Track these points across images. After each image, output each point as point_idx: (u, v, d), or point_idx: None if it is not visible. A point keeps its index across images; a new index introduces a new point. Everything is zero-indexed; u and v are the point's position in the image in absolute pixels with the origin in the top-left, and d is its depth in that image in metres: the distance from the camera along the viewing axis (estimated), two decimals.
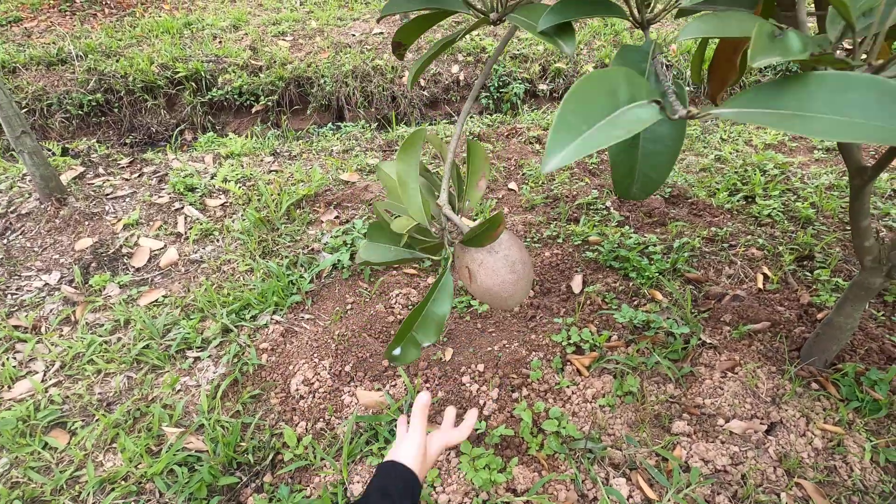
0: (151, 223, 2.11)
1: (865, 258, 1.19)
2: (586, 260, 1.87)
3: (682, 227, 2.02)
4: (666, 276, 1.75)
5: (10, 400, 1.41)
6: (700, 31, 0.53)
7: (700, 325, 1.54)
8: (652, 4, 0.60)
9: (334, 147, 2.84)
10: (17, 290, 1.77)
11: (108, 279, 1.82)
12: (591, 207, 2.19)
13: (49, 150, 2.83)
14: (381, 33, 4.50)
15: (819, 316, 1.55)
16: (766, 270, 1.78)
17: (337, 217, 2.17)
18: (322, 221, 2.14)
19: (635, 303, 1.67)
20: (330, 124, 3.87)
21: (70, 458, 1.27)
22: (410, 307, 1.70)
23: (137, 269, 1.90)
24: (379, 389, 1.43)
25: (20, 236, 2.02)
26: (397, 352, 0.57)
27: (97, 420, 1.35)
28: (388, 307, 1.70)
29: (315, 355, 1.53)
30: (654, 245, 1.90)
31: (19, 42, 4.24)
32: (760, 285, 1.73)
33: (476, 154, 0.60)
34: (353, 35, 4.46)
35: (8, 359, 1.52)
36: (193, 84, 3.83)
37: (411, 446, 0.71)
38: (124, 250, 1.97)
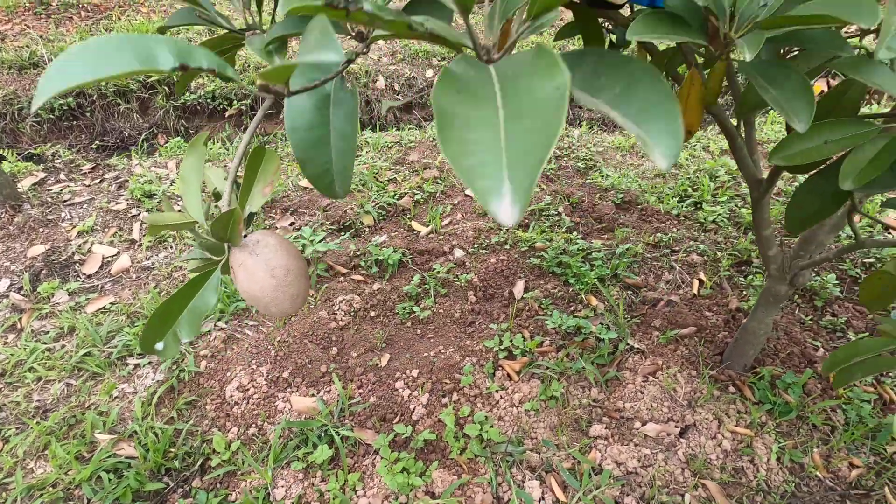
0: (107, 230, 2.14)
1: (771, 266, 1.23)
2: (530, 266, 1.91)
3: (628, 234, 2.07)
4: (605, 282, 1.80)
5: None
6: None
7: (629, 330, 1.58)
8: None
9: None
10: None
11: (58, 286, 1.84)
12: (543, 213, 2.23)
13: (3, 156, 2.84)
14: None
15: (744, 321, 1.60)
16: (702, 276, 1.82)
17: (292, 224, 2.20)
18: (276, 228, 2.17)
19: (571, 308, 1.71)
20: None
21: (1, 464, 1.29)
22: (353, 313, 1.74)
23: (88, 276, 1.93)
24: (313, 395, 1.46)
25: None
26: (159, 346, 0.55)
27: (31, 427, 1.37)
28: (331, 314, 1.73)
29: (254, 362, 1.56)
30: (599, 251, 1.94)
31: None
32: (696, 290, 1.77)
33: (266, 160, 0.60)
34: None
35: None
36: (166, 88, 3.84)
37: None
38: (76, 257, 1.99)
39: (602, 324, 1.61)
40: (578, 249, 1.95)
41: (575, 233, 2.09)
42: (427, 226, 2.16)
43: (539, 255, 1.96)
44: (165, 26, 0.65)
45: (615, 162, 2.69)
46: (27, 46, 4.11)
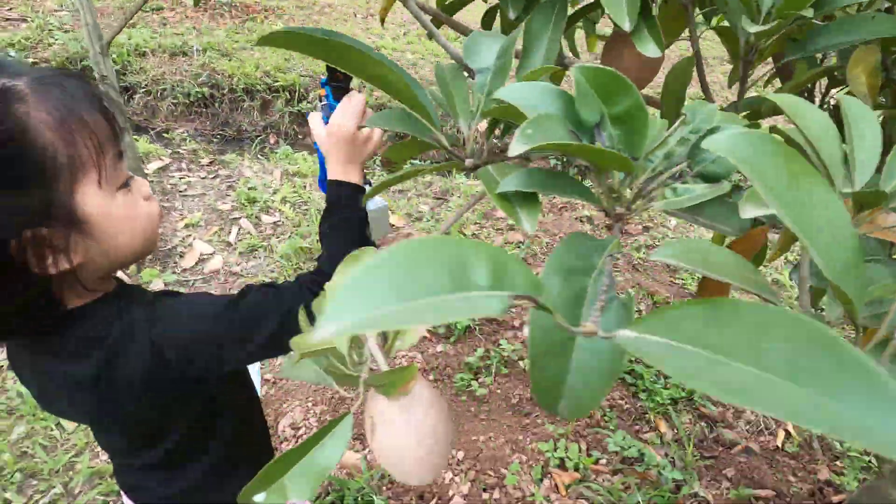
0: (209, 227, 2.30)
1: (884, 466, 1.08)
2: None
3: None
4: (678, 406, 1.67)
5: None
6: (671, 258, 0.49)
7: (697, 473, 1.46)
8: (631, 197, 0.52)
9: (394, 186, 2.96)
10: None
11: (157, 274, 2.00)
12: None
13: (145, 131, 3.16)
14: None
15: (834, 500, 1.42)
16: (790, 427, 1.65)
17: None
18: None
19: (636, 428, 1.61)
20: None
21: (74, 441, 1.40)
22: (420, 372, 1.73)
23: (184, 270, 2.08)
24: (358, 451, 1.47)
25: None
26: (259, 498, 0.45)
27: None
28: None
29: (310, 399, 1.60)
30: None
31: (155, 29, 4.79)
32: (779, 443, 1.60)
33: None
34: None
35: None
36: (288, 94, 4.14)
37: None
38: (179, 249, 2.16)
39: (667, 455, 1.49)
40: None
41: None
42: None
43: None
44: (366, 125, 0.62)
45: None
46: (181, 35, 4.61)
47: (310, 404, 1.58)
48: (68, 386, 0.56)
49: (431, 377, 1.73)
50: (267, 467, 0.51)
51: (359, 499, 1.34)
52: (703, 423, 1.64)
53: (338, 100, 0.70)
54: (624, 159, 0.35)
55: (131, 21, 4.62)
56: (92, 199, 0.49)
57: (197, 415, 0.66)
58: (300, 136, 4.22)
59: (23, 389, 1.50)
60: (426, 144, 0.55)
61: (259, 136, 4.10)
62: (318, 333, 0.21)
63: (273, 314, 0.59)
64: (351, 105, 0.67)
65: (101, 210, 0.50)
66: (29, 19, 4.52)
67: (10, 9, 4.67)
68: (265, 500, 0.51)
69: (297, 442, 1.47)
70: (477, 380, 1.73)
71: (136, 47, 4.26)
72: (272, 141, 4.14)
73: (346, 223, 0.67)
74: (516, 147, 0.32)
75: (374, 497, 1.33)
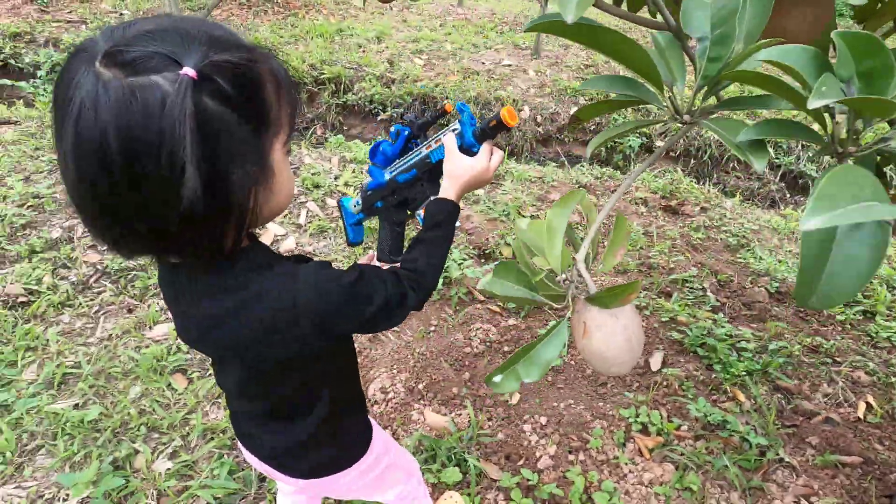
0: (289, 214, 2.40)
1: None
2: (670, 339, 1.85)
3: (782, 329, 1.93)
4: (753, 378, 1.69)
5: (149, 339, 1.70)
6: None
7: (781, 440, 1.47)
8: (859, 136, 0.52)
9: None
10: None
11: None
12: (687, 285, 2.15)
13: None
14: (510, 65, 4.67)
15: None
16: (871, 399, 1.65)
17: None
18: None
19: (714, 398, 1.63)
20: None
21: (185, 401, 1.51)
22: (488, 343, 1.79)
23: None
24: (445, 415, 1.53)
25: None
26: (497, 379, 0.60)
27: (210, 374, 1.58)
28: (467, 338, 1.81)
29: (395, 367, 1.67)
30: (748, 341, 1.83)
31: None
32: (861, 414, 1.60)
33: (622, 227, 0.65)
34: (483, 63, 4.67)
35: (153, 303, 1.83)
36: (333, 86, 4.24)
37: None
38: (257, 230, 2.26)
39: (749, 424, 1.51)
40: (726, 334, 1.85)
41: (721, 314, 1.99)
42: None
43: (681, 329, 1.89)
44: (581, 88, 0.69)
45: (771, 245, 2.52)
46: None
47: (394, 371, 1.66)
48: (206, 319, 0.61)
49: (506, 348, 1.79)
50: (506, 361, 0.64)
51: (451, 457, 1.41)
52: (779, 395, 1.65)
53: (475, 136, 0.78)
54: (890, 104, 0.39)
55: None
56: (278, 154, 0.56)
57: (308, 371, 0.71)
58: (345, 127, 4.32)
59: (135, 354, 1.62)
60: (618, 104, 0.63)
61: (307, 127, 4.22)
62: (809, 223, 0.34)
63: (380, 297, 0.65)
64: (496, 157, 0.80)
65: (279, 166, 0.57)
66: (88, 21, 4.74)
67: (70, 11, 4.91)
68: (501, 380, 0.62)
69: (387, 405, 1.55)
70: None
71: None
72: (319, 132, 4.25)
73: (445, 239, 0.76)
74: (816, 101, 0.38)
75: (465, 455, 1.40)
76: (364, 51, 4.72)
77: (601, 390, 1.65)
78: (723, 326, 1.89)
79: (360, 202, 0.93)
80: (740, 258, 2.38)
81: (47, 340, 1.65)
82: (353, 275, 0.63)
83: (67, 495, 1.25)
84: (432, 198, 0.80)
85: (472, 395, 1.61)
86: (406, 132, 0.86)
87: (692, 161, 3.90)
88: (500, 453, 1.44)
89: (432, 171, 0.83)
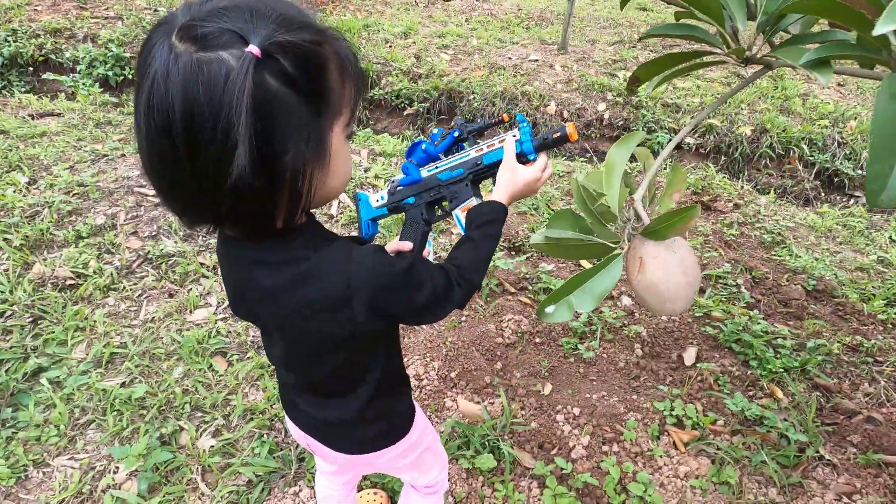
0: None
1: None
2: (704, 334, 1.83)
3: (820, 327, 1.89)
4: (791, 375, 1.66)
5: (190, 322, 1.75)
6: None
7: (821, 437, 1.45)
8: None
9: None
10: (206, 233, 2.17)
11: None
12: (720, 281, 2.12)
13: None
14: (536, 60, 4.65)
15: None
16: None
17: None
18: (452, 232, 2.32)
19: (750, 393, 1.61)
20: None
21: (226, 382, 1.55)
22: (519, 333, 1.80)
23: None
24: (478, 403, 1.55)
25: None
26: (550, 309, 0.61)
27: (249, 357, 1.63)
28: (498, 328, 1.82)
29: (428, 355, 1.69)
30: (785, 338, 1.79)
31: None
32: None
33: (678, 173, 0.66)
34: (510, 58, 4.66)
35: (193, 289, 1.89)
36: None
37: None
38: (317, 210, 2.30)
39: (788, 421, 1.49)
40: (762, 331, 1.82)
41: (756, 311, 1.95)
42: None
43: (715, 325, 1.86)
44: (643, 37, 0.69)
45: (807, 243, 2.46)
46: None
47: (428, 359, 1.68)
48: (258, 291, 0.62)
49: (538, 340, 1.79)
50: (556, 291, 0.63)
51: (485, 444, 1.42)
52: (818, 393, 1.62)
53: (534, 146, 0.79)
54: None
55: None
56: (337, 138, 0.56)
57: (356, 349, 0.72)
58: (372, 122, 4.36)
59: (178, 336, 1.67)
60: (680, 57, 0.63)
61: None
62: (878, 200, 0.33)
63: (429, 287, 0.67)
64: (549, 171, 0.82)
65: (337, 150, 0.56)
66: (124, 17, 4.88)
67: (107, 8, 5.05)
68: (554, 310, 0.63)
69: (421, 391, 1.56)
70: (582, 342, 1.78)
71: None
72: None
73: (493, 238, 0.77)
74: (883, 27, 0.38)
75: (499, 443, 1.41)
76: (391, 46, 4.75)
77: (634, 383, 1.65)
78: (758, 323, 1.86)
79: (386, 197, 0.92)
80: (776, 255, 2.33)
81: (94, 321, 1.72)
82: (406, 262, 0.64)
83: (118, 467, 1.30)
84: (480, 200, 0.82)
85: (504, 384, 1.62)
86: (456, 133, 0.88)
87: (723, 158, 3.83)
88: (534, 442, 1.45)
89: (479, 173, 0.85)
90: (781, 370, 1.66)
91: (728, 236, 2.45)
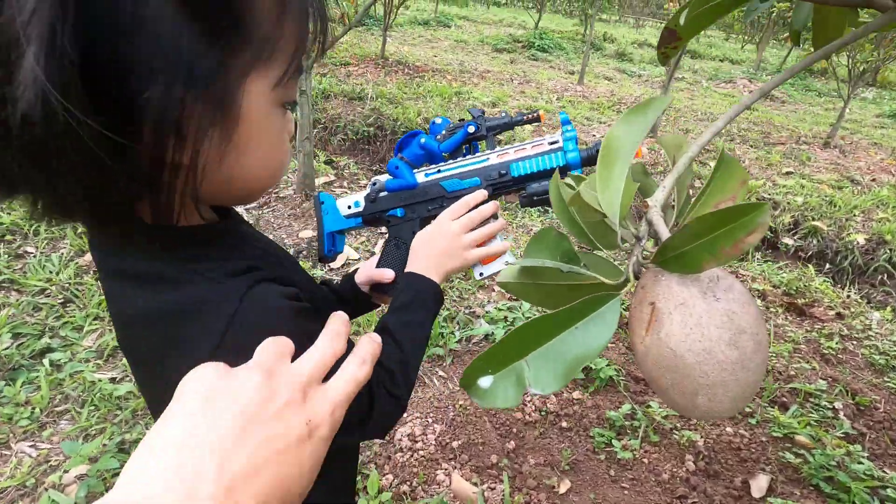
0: (359, 236, 2.41)
1: None
2: (782, 461, 1.44)
3: None
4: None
5: None
6: None
7: None
8: None
9: (534, 225, 2.88)
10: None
11: (309, 268, 2.11)
12: (811, 399, 1.71)
13: (317, 155, 3.54)
14: None
15: None
16: None
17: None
18: (494, 290, 2.14)
19: None
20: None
21: None
22: (544, 412, 1.53)
23: (331, 269, 2.17)
24: (476, 484, 1.29)
25: (271, 212, 2.51)
26: (485, 382, 0.33)
27: None
28: (520, 402, 1.56)
29: (431, 415, 1.48)
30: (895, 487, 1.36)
31: (340, 79, 5.53)
32: None
33: (730, 171, 0.36)
34: (593, 136, 4.58)
35: None
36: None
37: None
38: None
39: None
40: (865, 473, 1.39)
41: (858, 445, 1.52)
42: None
43: (799, 452, 1.47)
44: None
45: None
46: (361, 84, 5.24)
47: (429, 420, 1.46)
48: (115, 317, 0.44)
49: (564, 423, 1.51)
50: (497, 347, 0.33)
51: None
52: None
53: (581, 158, 0.62)
54: None
55: (322, 71, 5.39)
56: (257, 98, 0.38)
57: None
58: None
59: None
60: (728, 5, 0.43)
61: None
62: None
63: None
64: (495, 223, 0.63)
65: (258, 116, 0.38)
66: None
67: None
68: (491, 386, 0.33)
69: (412, 455, 1.34)
70: (619, 438, 1.47)
71: (324, 91, 4.93)
72: None
73: (422, 327, 0.56)
74: None
75: None
76: None
77: (678, 503, 1.30)
78: (861, 462, 1.43)
79: (363, 203, 0.69)
80: (889, 382, 1.87)
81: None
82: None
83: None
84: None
85: (512, 469, 1.35)
86: (470, 129, 0.65)
87: (827, 265, 3.34)
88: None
89: (502, 187, 0.64)
90: None
91: (826, 349, 2.02)
